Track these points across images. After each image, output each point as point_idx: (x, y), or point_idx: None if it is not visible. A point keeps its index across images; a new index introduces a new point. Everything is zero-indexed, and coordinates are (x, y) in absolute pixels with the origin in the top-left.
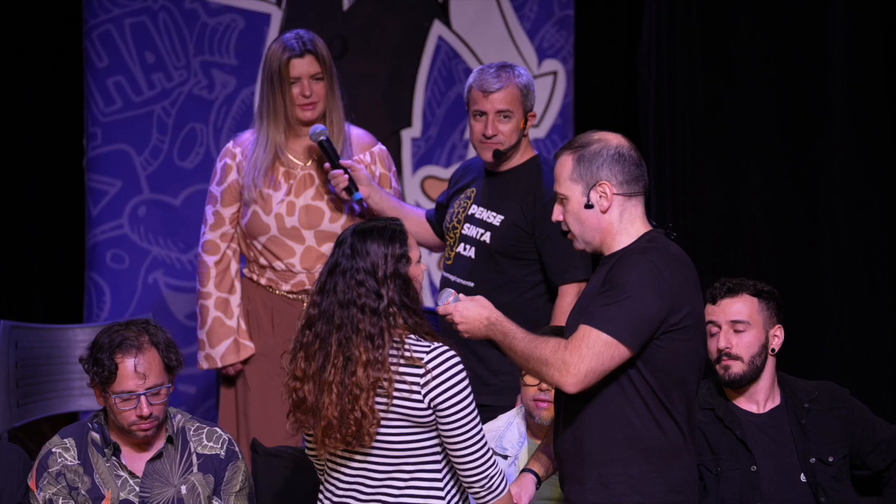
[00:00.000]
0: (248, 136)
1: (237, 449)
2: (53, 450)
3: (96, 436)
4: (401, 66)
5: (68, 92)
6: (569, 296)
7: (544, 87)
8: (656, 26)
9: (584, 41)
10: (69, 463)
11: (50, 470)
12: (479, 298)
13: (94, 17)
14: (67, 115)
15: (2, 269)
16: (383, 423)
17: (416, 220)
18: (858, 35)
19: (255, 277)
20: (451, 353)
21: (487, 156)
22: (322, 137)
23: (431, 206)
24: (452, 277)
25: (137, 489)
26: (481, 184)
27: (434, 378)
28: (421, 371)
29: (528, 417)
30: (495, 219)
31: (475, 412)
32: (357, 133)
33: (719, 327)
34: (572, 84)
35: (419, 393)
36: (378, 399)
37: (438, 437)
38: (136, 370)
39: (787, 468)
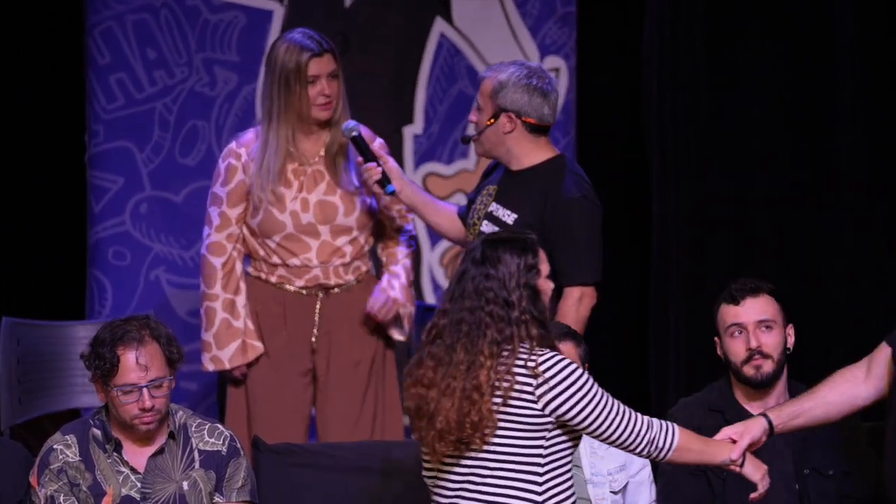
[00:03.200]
0: (251, 136)
1: (238, 445)
2: (55, 446)
3: (98, 432)
4: (402, 64)
5: (70, 89)
6: (571, 298)
7: None
8: (659, 24)
9: (586, 38)
10: (70, 459)
11: (51, 467)
12: None
13: (97, 14)
14: (69, 112)
15: (3, 265)
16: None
17: (447, 216)
18: (868, 38)
19: (263, 276)
20: (562, 356)
21: None
22: (355, 133)
23: None
24: None
25: (139, 485)
26: (502, 181)
27: (546, 381)
28: (534, 377)
29: None
30: (510, 217)
31: (599, 400)
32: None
33: (744, 329)
34: (575, 81)
35: (533, 396)
36: (495, 402)
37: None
38: (138, 362)
39: (783, 476)
